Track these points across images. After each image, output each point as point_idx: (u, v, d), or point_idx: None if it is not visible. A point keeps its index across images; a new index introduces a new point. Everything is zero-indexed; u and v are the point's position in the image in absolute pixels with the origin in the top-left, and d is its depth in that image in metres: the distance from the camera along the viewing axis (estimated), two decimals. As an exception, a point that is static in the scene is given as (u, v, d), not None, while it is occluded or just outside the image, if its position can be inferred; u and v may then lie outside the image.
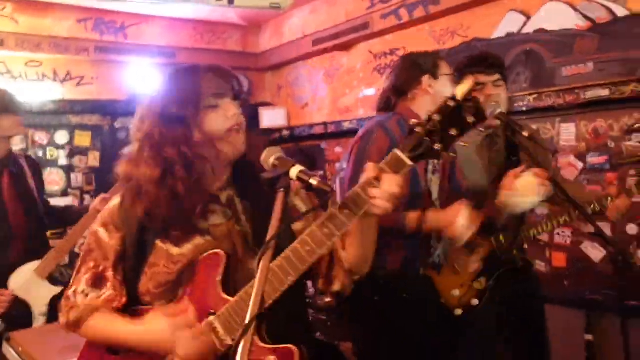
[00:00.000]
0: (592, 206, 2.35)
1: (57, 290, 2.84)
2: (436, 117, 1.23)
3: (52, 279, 2.89)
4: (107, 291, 1.39)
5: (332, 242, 1.29)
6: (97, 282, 1.40)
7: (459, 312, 2.22)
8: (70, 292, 1.43)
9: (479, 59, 2.49)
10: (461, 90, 1.22)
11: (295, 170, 1.28)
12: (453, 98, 1.22)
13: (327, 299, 3.85)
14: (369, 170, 1.27)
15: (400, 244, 2.16)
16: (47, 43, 4.70)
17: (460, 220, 2.00)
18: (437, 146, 1.23)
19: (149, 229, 1.38)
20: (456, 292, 2.23)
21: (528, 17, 3.58)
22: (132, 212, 1.39)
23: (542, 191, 2.11)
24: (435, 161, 2.26)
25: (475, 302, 2.23)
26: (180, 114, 1.35)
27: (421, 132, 1.23)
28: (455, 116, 1.22)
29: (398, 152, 1.25)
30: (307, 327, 1.60)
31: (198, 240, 1.39)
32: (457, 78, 2.39)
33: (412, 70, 2.27)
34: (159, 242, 1.38)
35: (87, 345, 1.45)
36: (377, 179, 1.24)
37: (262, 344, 1.28)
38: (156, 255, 1.37)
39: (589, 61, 3.25)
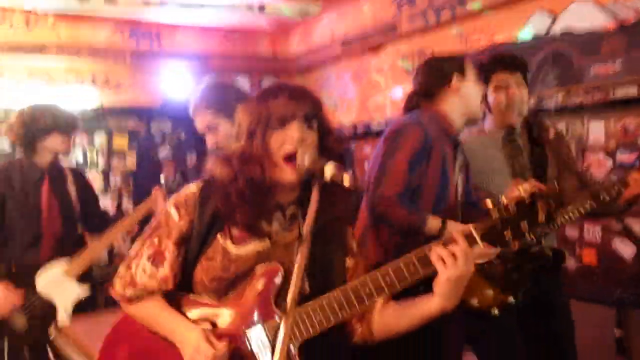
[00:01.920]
0: (614, 188, 2.32)
1: (85, 291, 2.86)
2: (512, 208, 1.30)
3: (84, 278, 2.89)
4: (164, 271, 1.46)
5: (391, 292, 1.37)
6: (157, 259, 1.46)
7: (495, 311, 2.18)
8: (133, 263, 1.49)
9: (502, 59, 2.51)
10: (543, 211, 1.29)
11: (328, 169, 1.36)
12: (532, 196, 1.29)
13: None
14: (446, 234, 1.36)
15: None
16: (86, 50, 4.91)
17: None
18: (507, 235, 1.30)
19: (218, 222, 1.45)
20: (490, 292, 2.19)
21: (555, 17, 3.60)
22: (208, 201, 1.46)
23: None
24: (462, 159, 2.29)
25: (511, 299, 2.19)
26: (254, 131, 1.42)
27: (496, 218, 1.31)
28: (528, 211, 1.29)
29: (472, 229, 1.32)
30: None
31: (257, 244, 1.44)
32: (482, 77, 2.42)
33: (439, 72, 2.26)
34: (219, 236, 1.44)
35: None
36: (445, 244, 1.32)
37: None
38: (214, 248, 1.44)
39: (617, 60, 3.26)
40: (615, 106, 3.28)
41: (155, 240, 1.48)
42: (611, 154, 3.33)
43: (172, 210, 1.49)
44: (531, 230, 1.29)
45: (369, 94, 5.21)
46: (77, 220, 3.12)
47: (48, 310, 2.81)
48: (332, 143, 1.47)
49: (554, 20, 3.61)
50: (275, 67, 5.89)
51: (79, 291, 2.86)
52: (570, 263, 3.48)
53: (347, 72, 5.47)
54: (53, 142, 3.00)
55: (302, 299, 1.39)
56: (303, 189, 1.48)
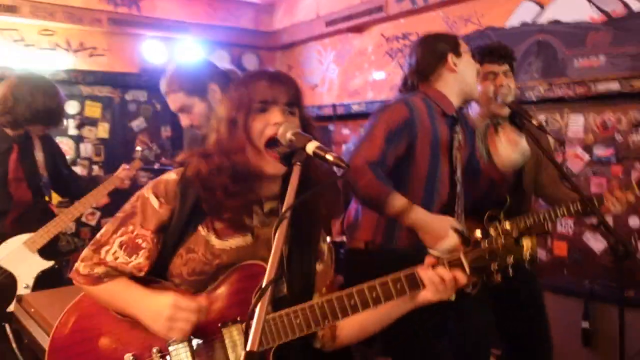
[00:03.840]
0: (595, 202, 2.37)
1: (46, 264, 2.84)
2: (500, 241, 1.36)
3: (46, 252, 2.87)
4: (138, 259, 1.39)
5: (376, 306, 1.35)
6: (130, 247, 1.39)
7: (452, 297, 2.24)
8: (102, 249, 1.41)
9: (490, 50, 2.52)
10: (528, 249, 1.36)
11: (311, 146, 1.30)
12: (517, 239, 1.36)
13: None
14: (430, 259, 1.37)
15: None
16: (61, 12, 4.72)
17: (447, 241, 1.96)
18: (493, 266, 1.37)
19: (199, 213, 1.40)
20: None
21: (542, 7, 3.59)
22: (188, 190, 1.40)
23: (520, 150, 2.17)
24: (460, 138, 2.26)
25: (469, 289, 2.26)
26: (235, 118, 1.39)
27: (485, 249, 1.37)
28: (514, 246, 1.36)
29: (462, 257, 1.37)
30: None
31: (240, 239, 1.41)
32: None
33: (435, 51, 2.24)
34: (200, 229, 1.40)
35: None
36: (435, 266, 1.35)
37: None
38: (196, 240, 1.39)
39: (602, 54, 3.27)
40: (596, 101, 3.29)
41: (130, 228, 1.41)
42: (589, 148, 3.35)
43: (152, 197, 1.42)
44: (515, 265, 1.35)
45: (351, 75, 5.15)
46: (45, 188, 3.05)
47: (8, 282, 2.77)
48: (312, 130, 1.44)
49: (541, 10, 3.59)
50: (257, 41, 5.77)
51: (41, 264, 2.83)
52: (542, 255, 3.52)
53: (329, 51, 5.39)
54: (34, 128, 2.97)
55: (279, 300, 1.36)
56: (285, 183, 1.42)
